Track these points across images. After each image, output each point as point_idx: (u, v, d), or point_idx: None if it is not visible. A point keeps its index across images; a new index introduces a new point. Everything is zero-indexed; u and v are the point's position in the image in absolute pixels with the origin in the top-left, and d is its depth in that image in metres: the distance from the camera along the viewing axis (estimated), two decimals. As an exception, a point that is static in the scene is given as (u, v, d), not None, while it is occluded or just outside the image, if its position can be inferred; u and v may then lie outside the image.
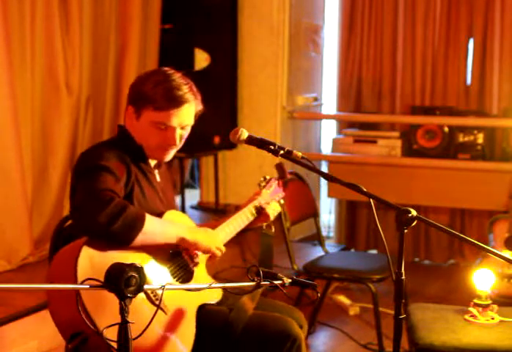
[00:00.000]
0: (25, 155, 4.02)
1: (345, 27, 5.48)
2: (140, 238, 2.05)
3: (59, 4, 4.18)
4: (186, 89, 2.25)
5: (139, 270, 1.59)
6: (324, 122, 6.01)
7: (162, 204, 2.36)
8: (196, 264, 2.34)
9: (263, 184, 2.66)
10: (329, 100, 5.89)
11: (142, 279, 1.59)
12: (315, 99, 5.76)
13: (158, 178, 2.40)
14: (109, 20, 4.63)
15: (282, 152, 2.24)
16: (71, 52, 4.26)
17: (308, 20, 5.60)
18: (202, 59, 5.00)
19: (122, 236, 2.03)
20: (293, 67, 5.44)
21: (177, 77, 2.27)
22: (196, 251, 2.30)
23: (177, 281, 2.24)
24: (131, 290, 1.58)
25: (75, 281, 1.91)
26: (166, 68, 2.32)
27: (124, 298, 1.58)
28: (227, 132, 2.33)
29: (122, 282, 1.56)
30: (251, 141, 2.29)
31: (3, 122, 3.81)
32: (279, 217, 3.04)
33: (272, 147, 2.25)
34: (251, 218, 2.55)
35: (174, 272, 2.25)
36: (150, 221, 2.08)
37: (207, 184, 5.63)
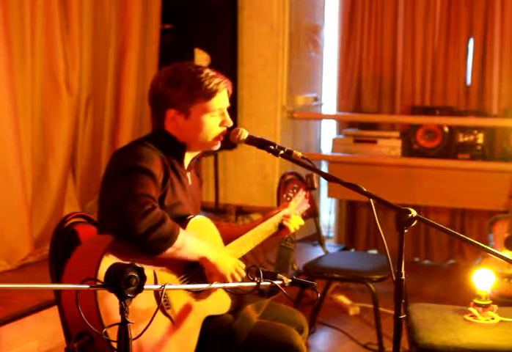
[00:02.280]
0: (25, 155, 4.02)
1: (345, 27, 5.48)
2: (169, 251, 2.07)
3: (59, 4, 4.17)
4: (214, 71, 2.32)
5: (139, 270, 1.59)
6: (324, 122, 6.00)
7: (191, 207, 2.36)
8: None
9: (291, 195, 2.64)
10: (329, 100, 5.89)
11: (142, 279, 1.59)
12: (315, 99, 5.75)
13: (189, 181, 2.40)
14: (109, 20, 4.63)
15: (282, 152, 2.24)
16: (71, 52, 4.26)
17: (308, 20, 5.60)
18: (202, 59, 4.99)
19: (155, 247, 2.04)
20: (293, 67, 5.44)
21: (197, 66, 2.33)
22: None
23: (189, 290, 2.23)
24: (131, 289, 1.58)
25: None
26: (176, 64, 2.33)
27: (124, 298, 1.58)
28: (228, 132, 2.35)
29: (122, 282, 1.56)
30: (252, 141, 2.30)
31: (3, 122, 3.81)
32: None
33: (272, 147, 2.26)
34: (273, 231, 2.54)
35: (189, 283, 2.24)
36: (182, 236, 2.10)
37: (207, 184, 5.62)
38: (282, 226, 2.55)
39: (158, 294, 2.09)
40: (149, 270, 2.10)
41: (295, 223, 2.56)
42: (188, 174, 2.40)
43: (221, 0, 5.23)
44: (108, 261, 1.97)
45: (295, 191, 2.65)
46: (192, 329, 2.22)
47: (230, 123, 2.34)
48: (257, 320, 2.34)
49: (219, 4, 5.20)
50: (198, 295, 2.25)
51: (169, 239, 2.06)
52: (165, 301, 2.13)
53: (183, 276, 2.23)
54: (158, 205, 2.10)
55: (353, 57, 5.47)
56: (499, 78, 5.07)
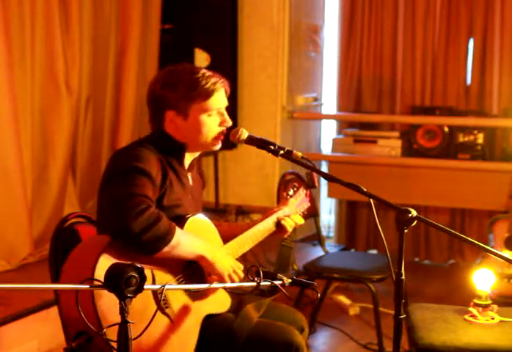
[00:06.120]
0: (25, 155, 4.02)
1: (345, 27, 5.48)
2: (166, 250, 2.07)
3: (59, 4, 4.17)
4: (210, 71, 2.31)
5: (139, 270, 1.59)
6: (324, 122, 6.00)
7: (191, 207, 2.35)
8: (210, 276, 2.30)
9: (291, 193, 2.61)
10: (329, 100, 5.89)
11: (142, 279, 1.59)
12: (315, 99, 5.75)
13: (190, 181, 2.39)
14: (109, 20, 4.63)
15: (282, 152, 2.24)
16: (71, 52, 4.26)
17: (308, 20, 5.60)
18: (202, 59, 4.99)
19: (150, 246, 2.05)
20: (293, 67, 5.44)
21: (193, 66, 2.34)
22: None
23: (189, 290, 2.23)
24: (131, 290, 1.58)
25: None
26: (171, 66, 2.33)
27: (124, 298, 1.58)
28: (227, 132, 2.35)
29: (122, 282, 1.56)
30: (252, 141, 2.30)
31: (3, 122, 3.81)
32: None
33: (272, 147, 2.26)
34: (273, 230, 2.50)
35: (187, 282, 2.24)
36: (178, 235, 2.10)
37: (207, 184, 5.62)
38: (280, 226, 2.51)
39: (156, 293, 2.09)
40: (147, 270, 2.10)
41: (292, 222, 2.52)
42: (189, 175, 2.39)
43: (221, 0, 5.23)
44: (105, 261, 1.97)
45: (295, 189, 2.62)
46: (192, 328, 2.22)
47: (229, 123, 2.33)
48: (257, 320, 2.34)
49: (219, 3, 5.20)
50: (196, 293, 2.25)
51: (165, 238, 2.06)
52: (163, 300, 2.13)
53: (179, 276, 2.23)
54: (154, 205, 2.09)
55: (353, 57, 5.47)
56: (499, 78, 5.07)
